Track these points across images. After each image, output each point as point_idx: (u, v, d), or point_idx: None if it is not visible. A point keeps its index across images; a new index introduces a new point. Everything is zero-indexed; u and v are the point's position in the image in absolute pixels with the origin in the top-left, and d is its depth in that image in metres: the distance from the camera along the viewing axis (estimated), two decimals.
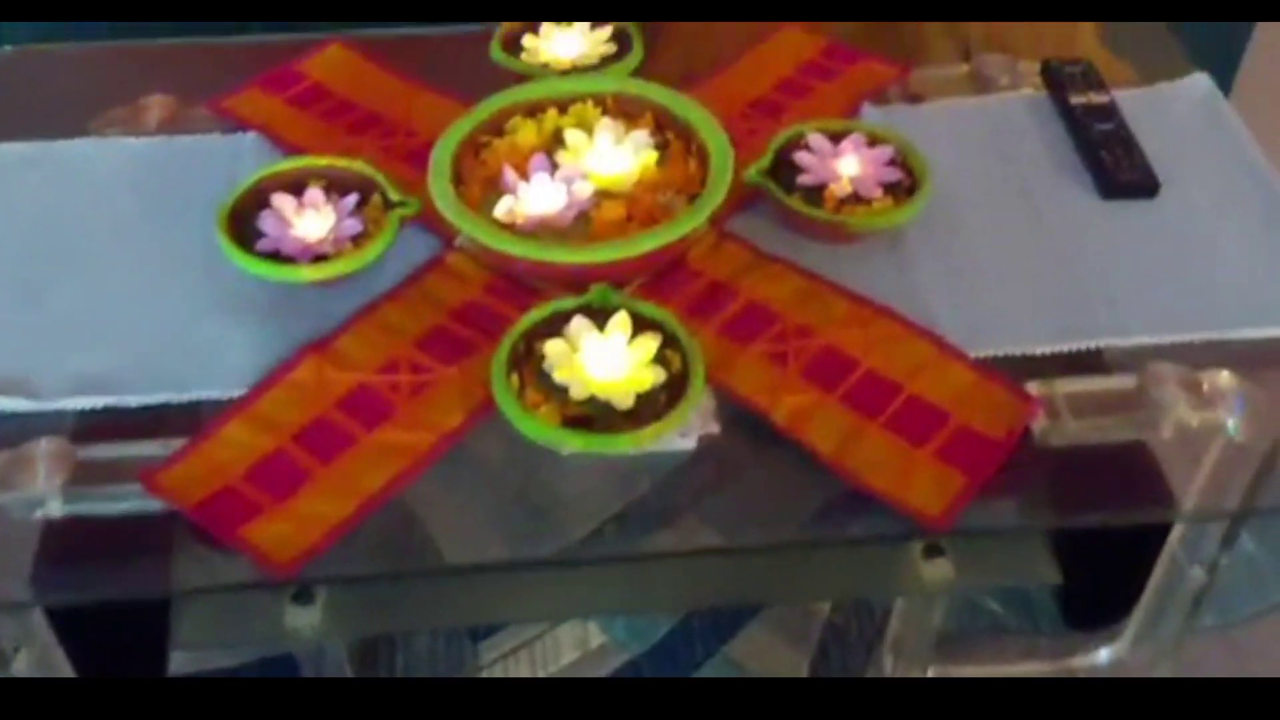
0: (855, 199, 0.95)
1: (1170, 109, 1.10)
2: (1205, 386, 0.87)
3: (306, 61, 1.17)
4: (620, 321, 0.84)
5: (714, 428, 0.84)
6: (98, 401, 0.85)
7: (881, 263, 0.95)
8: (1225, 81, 1.60)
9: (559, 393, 0.80)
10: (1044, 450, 0.84)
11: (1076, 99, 1.09)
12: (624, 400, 0.79)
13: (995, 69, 1.17)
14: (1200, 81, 1.13)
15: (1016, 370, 0.87)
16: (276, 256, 0.90)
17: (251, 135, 1.07)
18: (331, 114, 1.11)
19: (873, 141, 0.99)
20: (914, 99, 1.15)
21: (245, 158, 1.04)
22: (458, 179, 0.95)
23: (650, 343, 0.83)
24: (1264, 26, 1.59)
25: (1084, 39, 1.25)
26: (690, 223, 0.89)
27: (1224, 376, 0.87)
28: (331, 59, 1.17)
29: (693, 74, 1.18)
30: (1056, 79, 1.12)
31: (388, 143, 1.07)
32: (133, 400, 0.86)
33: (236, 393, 0.85)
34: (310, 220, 0.92)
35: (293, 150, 1.05)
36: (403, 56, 1.18)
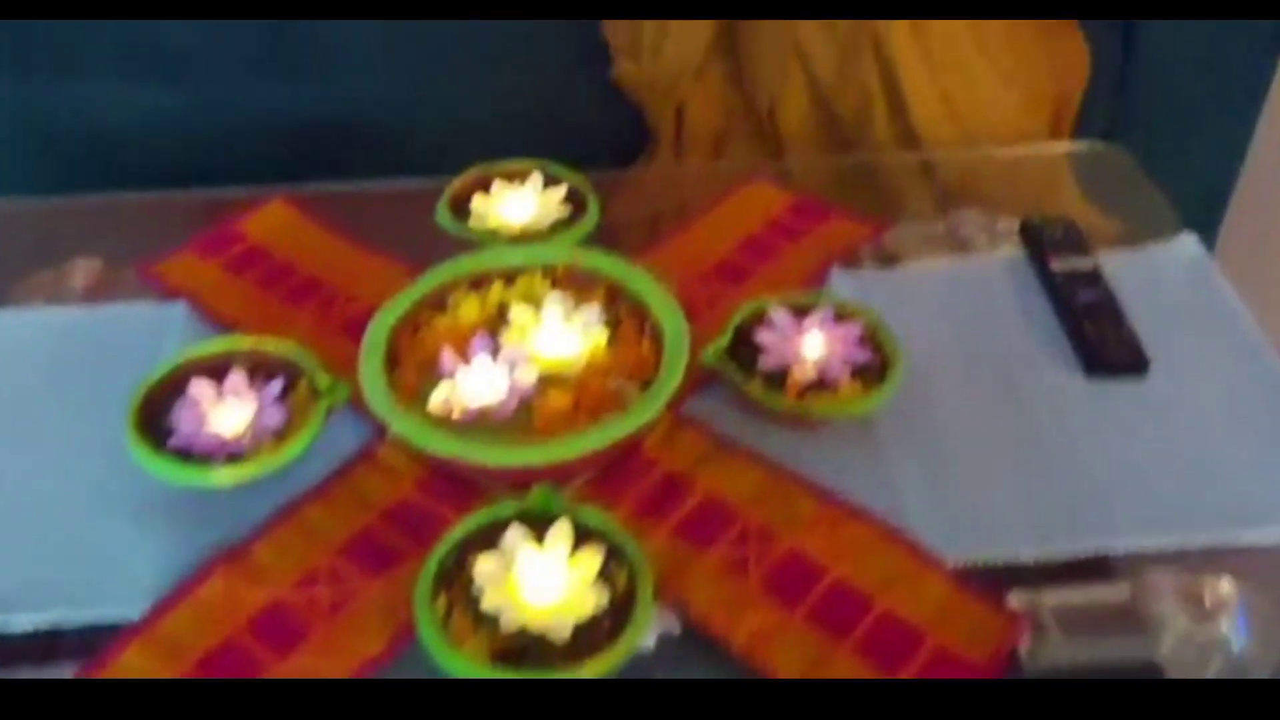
0: (821, 384, 0.88)
1: (1159, 275, 1.03)
2: (1207, 599, 0.79)
3: (247, 221, 1.11)
4: (561, 533, 0.76)
5: (674, 627, 0.76)
6: None
7: (851, 451, 0.88)
8: (1209, 238, 1.55)
9: (488, 622, 0.72)
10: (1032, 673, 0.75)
11: (1058, 264, 1.02)
12: (560, 631, 0.71)
13: (972, 227, 1.11)
14: (1188, 244, 1.07)
15: (999, 576, 0.80)
16: (189, 454, 0.82)
17: (180, 306, 1.01)
18: (269, 280, 1.04)
19: (841, 316, 0.92)
20: (888, 259, 1.09)
21: (171, 332, 0.98)
22: (393, 361, 0.88)
23: (593, 559, 0.75)
24: (1249, 179, 1.54)
25: (1066, 191, 1.19)
26: (640, 417, 0.82)
27: (1226, 586, 0.80)
28: (273, 218, 1.11)
29: (656, 230, 1.13)
30: (1036, 240, 1.05)
31: (326, 312, 1.01)
32: (21, 621, 0.77)
33: (139, 610, 0.77)
34: (229, 411, 0.85)
35: (223, 323, 0.98)
36: (350, 214, 1.12)
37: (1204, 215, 1.60)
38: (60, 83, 1.42)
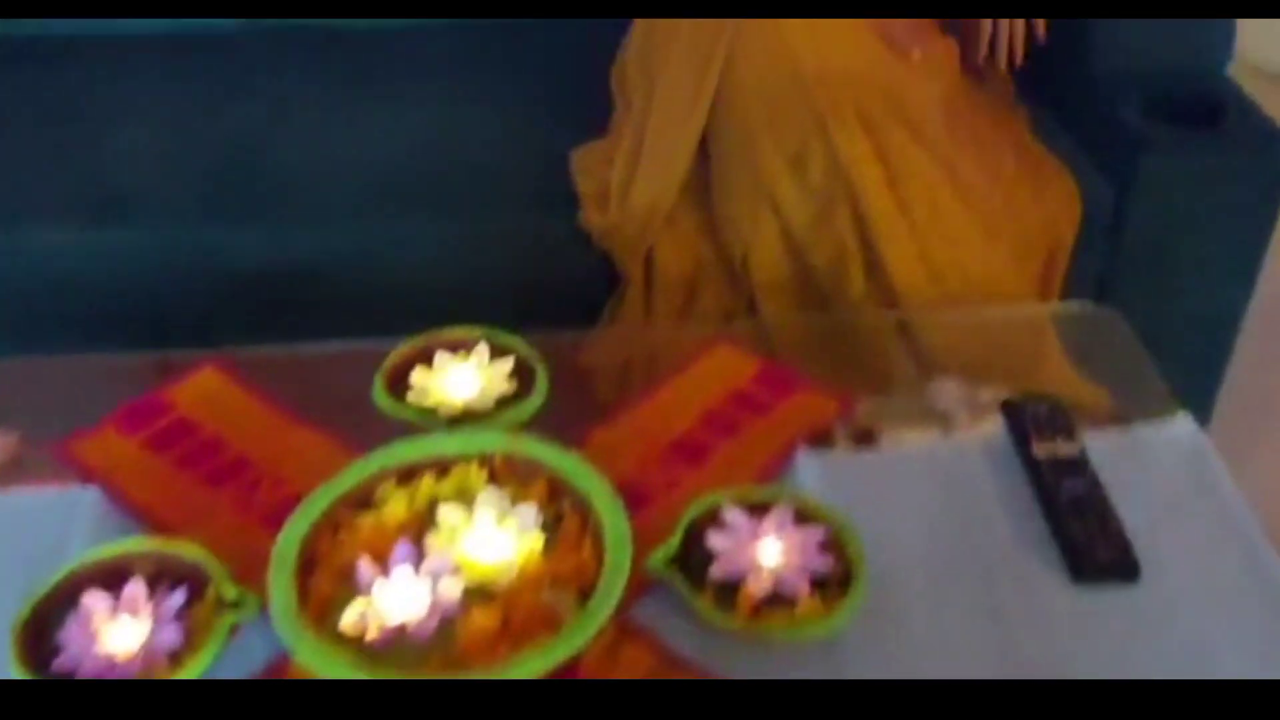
0: (777, 597, 0.80)
1: (1150, 461, 0.96)
2: None
3: (176, 389, 1.04)
4: None
5: None
6: None
7: (813, 670, 0.80)
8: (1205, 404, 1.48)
9: None
10: None
11: (1041, 449, 0.95)
12: None
13: (952, 400, 1.04)
14: (1183, 425, 0.99)
15: None
16: (71, 679, 0.74)
17: (92, 492, 0.93)
18: (191, 459, 0.97)
19: (802, 518, 0.84)
20: (862, 435, 1.01)
21: (80, 523, 0.90)
22: (309, 567, 0.80)
23: None
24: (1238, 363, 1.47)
25: (1053, 358, 1.12)
26: (574, 641, 0.74)
27: None
28: (203, 386, 1.04)
29: (619, 391, 1.06)
30: (1019, 421, 0.98)
31: (250, 497, 0.94)
32: None
33: None
34: (122, 629, 0.77)
35: (136, 511, 0.92)
36: (288, 379, 1.06)
37: (1199, 379, 1.53)
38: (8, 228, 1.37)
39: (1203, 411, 1.51)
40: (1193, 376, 1.51)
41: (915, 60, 1.35)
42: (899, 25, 1.37)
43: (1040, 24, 1.42)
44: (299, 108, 1.53)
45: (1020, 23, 1.43)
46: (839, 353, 1.15)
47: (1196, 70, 1.49)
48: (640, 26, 1.44)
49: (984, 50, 1.43)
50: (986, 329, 1.17)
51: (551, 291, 1.35)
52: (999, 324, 1.17)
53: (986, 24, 1.43)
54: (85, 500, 0.93)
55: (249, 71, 1.61)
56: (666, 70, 1.33)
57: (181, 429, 1.00)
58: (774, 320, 1.23)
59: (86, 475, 0.95)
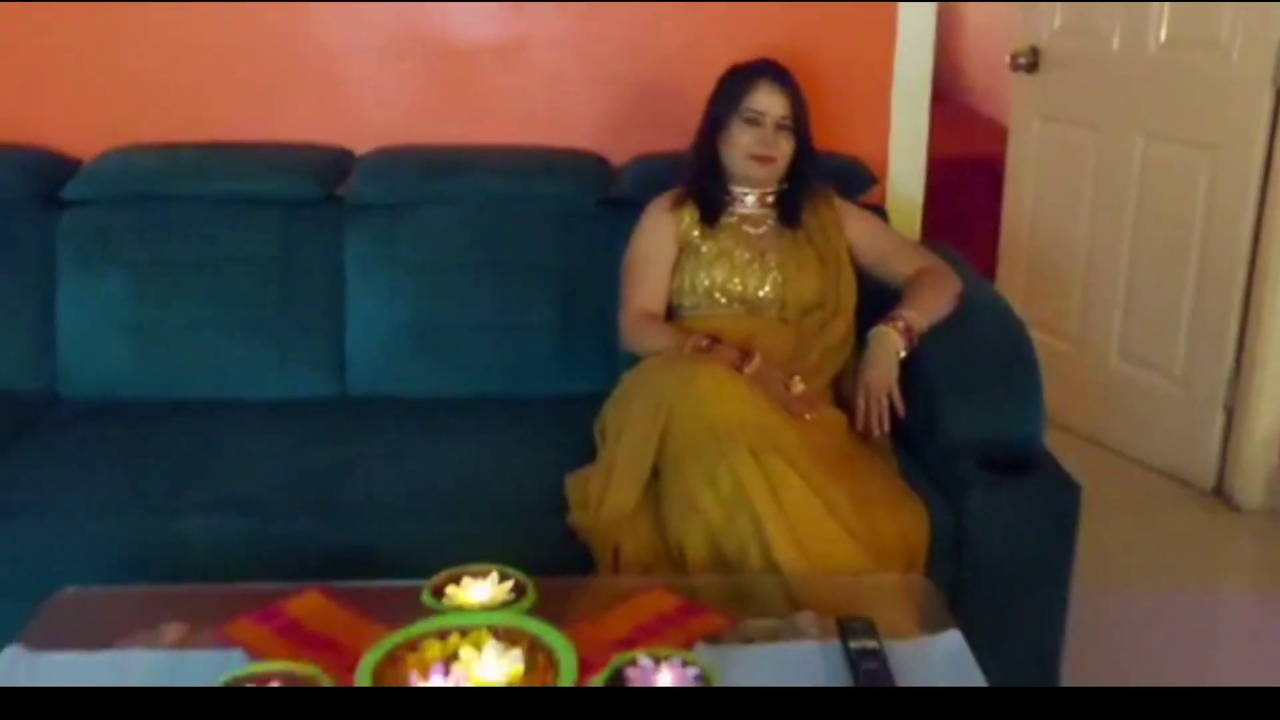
0: None
1: (927, 657, 1.47)
2: None
3: (289, 602, 1.57)
4: None
5: None
6: None
7: None
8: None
9: None
10: None
11: (855, 643, 1.46)
12: None
13: (807, 623, 1.56)
14: (953, 638, 1.51)
15: None
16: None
17: (238, 652, 1.45)
18: (302, 641, 1.49)
19: (686, 663, 1.35)
20: (744, 640, 1.52)
21: (232, 665, 1.41)
22: (379, 680, 1.31)
23: None
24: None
25: (884, 605, 1.64)
26: None
27: None
28: (309, 602, 1.57)
29: (579, 615, 1.57)
30: (844, 627, 1.49)
31: (338, 659, 1.44)
32: None
33: None
34: None
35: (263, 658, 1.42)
36: (362, 600, 1.58)
37: (1041, 657, 2.02)
38: (156, 522, 1.96)
39: (1049, 670, 2.01)
40: (1035, 648, 2.00)
41: (809, 420, 1.97)
42: (796, 400, 2.01)
43: (899, 404, 2.05)
44: (374, 448, 2.16)
45: (885, 403, 2.06)
46: (737, 602, 1.67)
47: (1018, 438, 2.09)
48: (612, 398, 2.07)
49: (860, 421, 2.07)
50: (838, 588, 1.69)
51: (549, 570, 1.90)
52: (845, 586, 1.70)
53: (860, 403, 2.07)
54: (234, 656, 1.44)
55: (343, 420, 2.26)
56: (628, 426, 1.94)
57: (293, 625, 1.53)
58: (700, 581, 1.75)
59: (234, 644, 1.47)
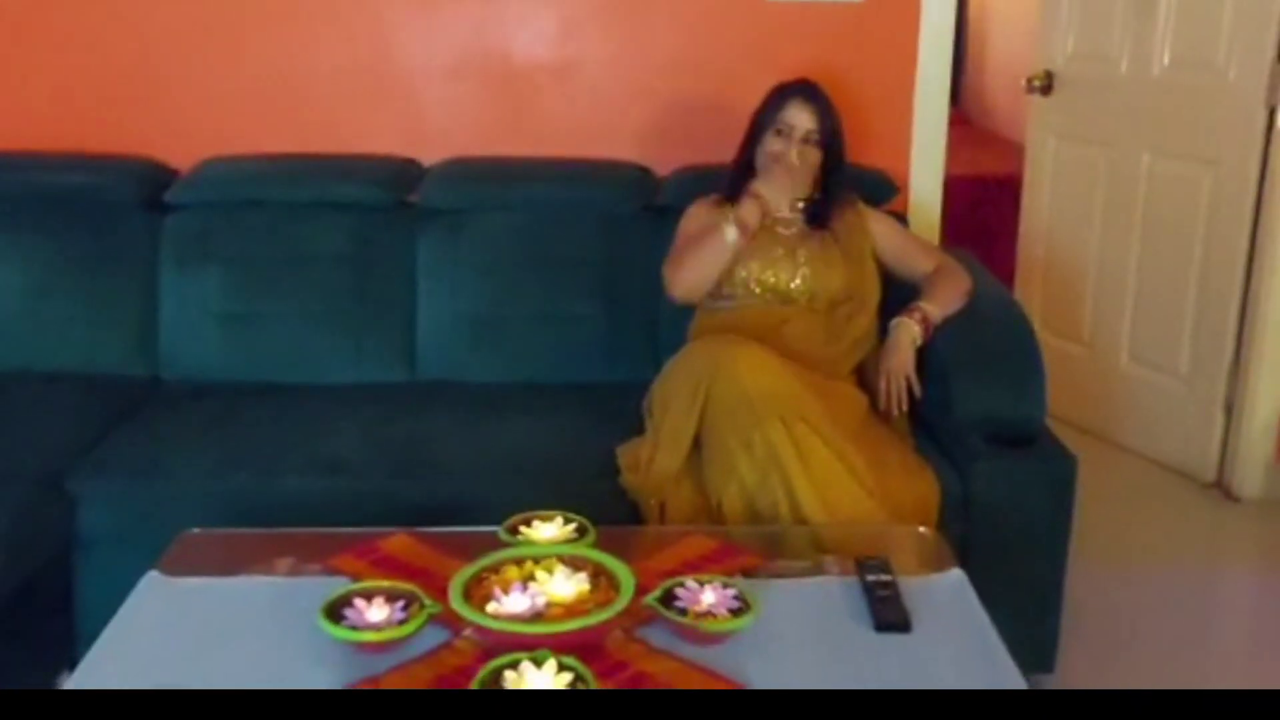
0: (710, 615, 1.54)
1: (933, 590, 1.70)
2: None
3: (382, 542, 1.82)
4: (551, 665, 1.41)
5: None
6: None
7: (724, 654, 1.52)
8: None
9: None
10: None
11: (870, 577, 1.70)
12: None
13: (830, 564, 1.79)
14: (955, 574, 1.74)
15: None
16: (354, 628, 1.50)
17: (342, 578, 1.70)
18: (397, 570, 1.74)
19: (725, 585, 1.60)
20: (775, 575, 1.76)
21: (338, 587, 1.67)
22: (468, 595, 1.56)
23: (566, 674, 1.39)
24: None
25: (897, 546, 1.87)
26: (598, 617, 1.49)
27: None
28: (399, 542, 1.83)
29: (632, 555, 1.81)
30: (862, 564, 1.73)
31: (429, 583, 1.69)
32: None
33: None
34: (376, 611, 1.53)
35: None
36: (446, 543, 1.83)
37: (1040, 611, 2.25)
38: (260, 480, 2.22)
39: (1050, 624, 2.24)
40: (1035, 611, 2.23)
41: (832, 392, 2.23)
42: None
43: (917, 387, 2.29)
44: (443, 423, 2.42)
45: (904, 385, 2.30)
46: (771, 547, 1.91)
47: (1021, 416, 2.32)
48: (658, 378, 2.31)
49: (881, 402, 2.31)
50: (858, 535, 1.93)
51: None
52: (862, 533, 1.95)
53: (881, 385, 2.31)
54: (340, 580, 1.70)
55: (414, 401, 2.53)
56: (673, 399, 2.18)
57: (387, 559, 1.78)
58: (737, 533, 2.00)
59: (339, 572, 1.73)
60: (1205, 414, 3.28)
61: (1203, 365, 3.27)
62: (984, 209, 4.48)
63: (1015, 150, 4.25)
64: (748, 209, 2.36)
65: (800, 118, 2.45)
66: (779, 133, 2.46)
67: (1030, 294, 3.73)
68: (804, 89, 2.48)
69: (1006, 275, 3.80)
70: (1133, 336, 3.47)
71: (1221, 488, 3.28)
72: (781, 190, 2.42)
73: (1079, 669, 2.38)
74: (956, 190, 4.00)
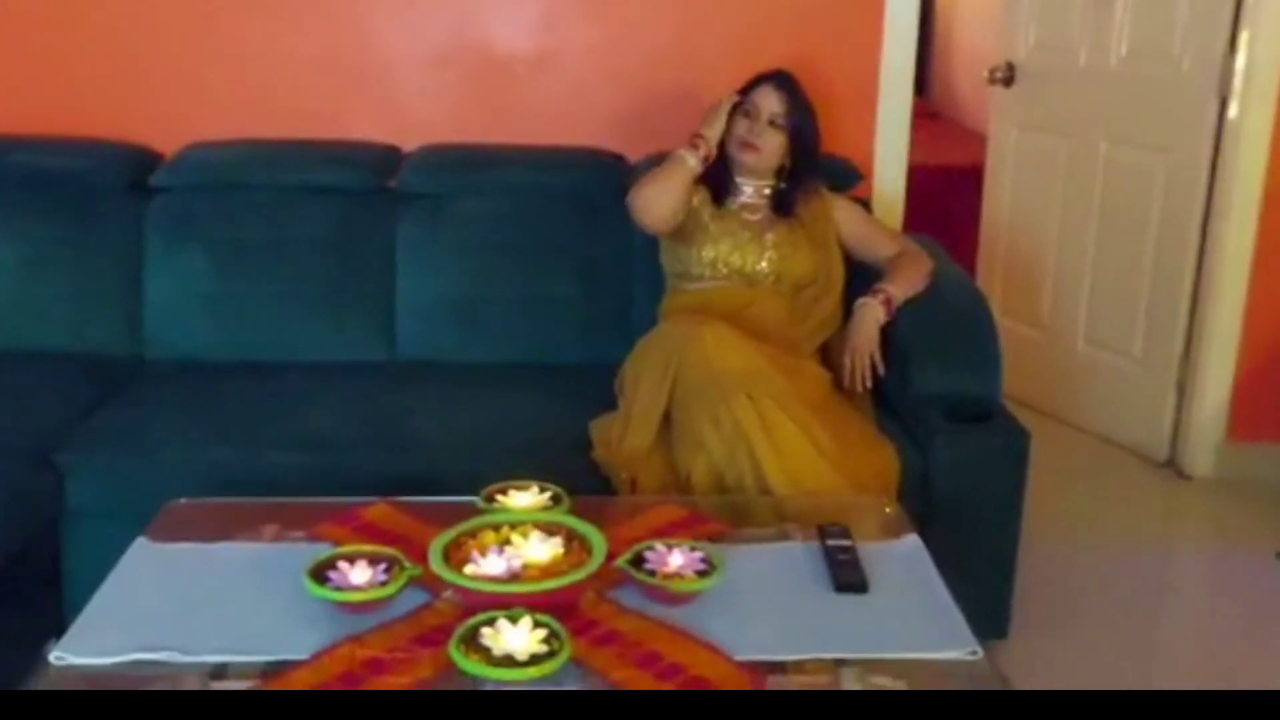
0: (678, 576, 1.63)
1: (890, 554, 1.80)
2: None
3: (363, 510, 1.90)
4: (526, 622, 1.49)
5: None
6: None
7: (689, 609, 1.61)
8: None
9: (486, 651, 1.44)
10: None
11: (831, 542, 1.79)
12: (522, 655, 1.43)
13: (793, 531, 1.88)
14: (911, 539, 1.84)
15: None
16: (338, 589, 1.58)
17: (325, 544, 1.78)
18: (377, 536, 1.82)
19: (693, 549, 1.69)
20: (742, 540, 1.85)
21: (321, 552, 1.75)
22: (447, 557, 1.64)
23: (541, 630, 1.48)
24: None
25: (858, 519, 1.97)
26: (572, 578, 1.58)
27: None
28: (380, 510, 1.90)
29: (605, 522, 1.89)
30: (823, 532, 1.83)
31: (409, 548, 1.77)
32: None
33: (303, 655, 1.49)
34: (360, 571, 1.62)
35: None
36: (425, 511, 1.91)
37: (995, 581, 2.35)
38: (243, 454, 2.30)
39: (1004, 592, 2.34)
40: (990, 580, 2.33)
41: (797, 371, 2.31)
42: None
43: (880, 365, 2.39)
44: (422, 400, 2.50)
45: (868, 363, 2.40)
46: (739, 516, 2.00)
47: (978, 393, 2.42)
48: (630, 356, 2.39)
49: (844, 379, 2.40)
50: (819, 504, 2.03)
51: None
52: (822, 503, 2.04)
53: (846, 363, 2.40)
54: (323, 546, 1.78)
55: (394, 379, 2.61)
56: (644, 377, 2.27)
57: (369, 526, 1.86)
58: (704, 503, 2.08)
59: (322, 539, 1.80)
60: (1158, 395, 3.39)
61: (1156, 348, 3.39)
62: (949, 197, 4.58)
63: (980, 141, 4.35)
64: (704, 132, 2.49)
65: (767, 100, 2.53)
66: (746, 114, 2.55)
67: (991, 280, 3.84)
68: (775, 76, 2.57)
69: (970, 262, 3.91)
70: (1089, 320, 3.58)
71: (1174, 467, 3.39)
72: (714, 118, 2.52)
73: (1033, 637, 2.48)
74: (923, 179, 4.10)
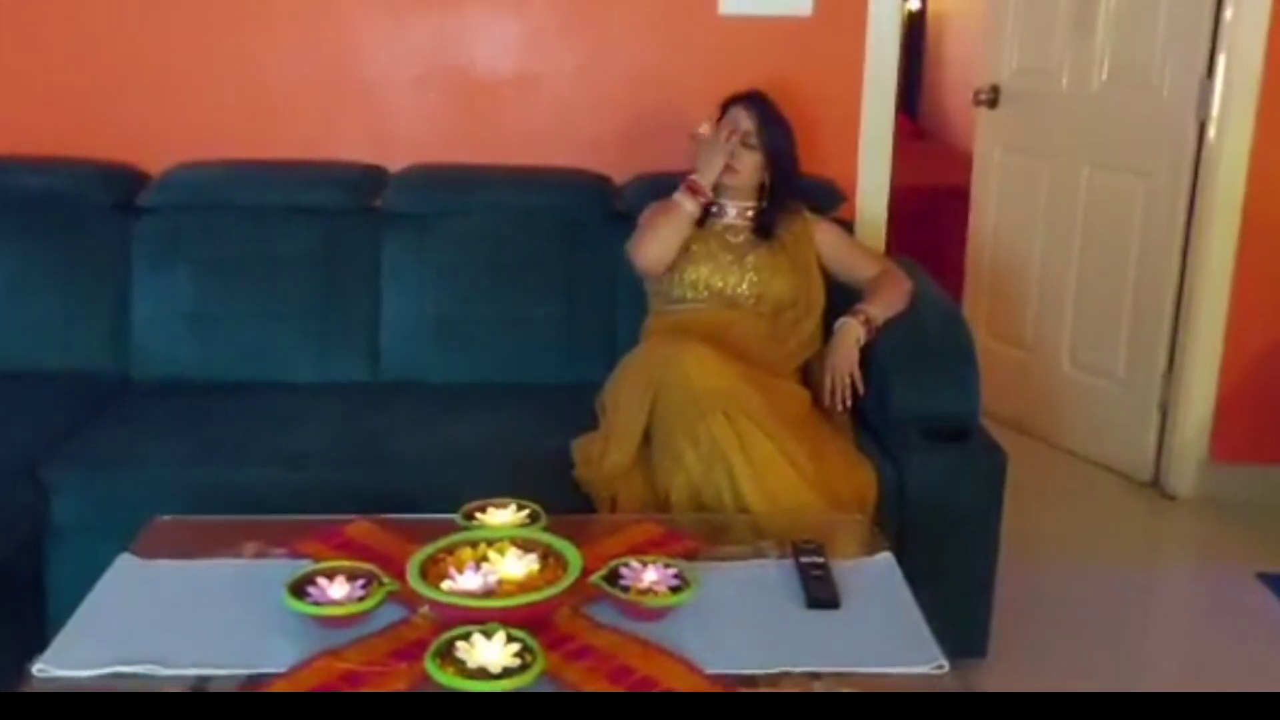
0: (651, 592, 1.65)
1: (863, 572, 1.82)
2: None
3: (344, 527, 1.92)
4: (500, 637, 1.51)
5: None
6: None
7: (662, 625, 1.63)
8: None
9: (460, 664, 1.46)
10: None
11: (804, 559, 1.81)
12: (495, 669, 1.45)
13: (768, 548, 1.90)
14: (885, 558, 1.86)
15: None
16: (317, 604, 1.60)
17: (306, 560, 1.80)
18: (358, 553, 1.83)
19: (666, 565, 1.71)
20: (719, 559, 1.87)
21: (301, 566, 1.76)
22: (424, 574, 1.66)
23: (514, 645, 1.50)
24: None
25: (834, 535, 1.98)
26: (546, 594, 1.59)
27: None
28: (361, 528, 1.92)
29: (582, 540, 1.91)
30: (797, 549, 1.84)
31: (388, 565, 1.79)
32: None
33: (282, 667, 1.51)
34: (337, 588, 1.63)
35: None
36: (405, 528, 1.93)
37: (973, 598, 2.37)
38: (227, 472, 2.31)
39: (981, 611, 2.36)
40: (968, 598, 2.35)
41: (775, 389, 2.33)
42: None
43: (860, 384, 2.41)
44: (405, 419, 2.52)
45: (847, 382, 2.42)
46: (715, 533, 2.02)
47: (956, 413, 2.44)
48: (611, 377, 2.41)
49: (826, 398, 2.43)
50: (796, 521, 2.04)
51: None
52: (799, 521, 2.05)
53: (826, 382, 2.43)
54: (304, 562, 1.79)
55: (377, 398, 2.62)
56: (624, 397, 2.29)
57: (349, 542, 1.88)
58: (683, 520, 2.10)
59: (303, 555, 1.82)
60: (1141, 415, 3.42)
61: (1139, 369, 3.41)
62: (938, 218, 4.62)
63: (969, 162, 4.39)
64: (700, 178, 2.53)
65: (739, 119, 2.57)
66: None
67: (977, 301, 3.87)
68: (747, 96, 2.61)
69: (957, 282, 3.94)
70: (1073, 341, 3.61)
71: (1157, 487, 3.42)
72: (708, 163, 2.55)
73: (1012, 657, 2.50)
74: (910, 200, 4.13)
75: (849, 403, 2.45)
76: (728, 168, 2.55)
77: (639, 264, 2.57)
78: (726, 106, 2.61)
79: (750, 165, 2.58)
